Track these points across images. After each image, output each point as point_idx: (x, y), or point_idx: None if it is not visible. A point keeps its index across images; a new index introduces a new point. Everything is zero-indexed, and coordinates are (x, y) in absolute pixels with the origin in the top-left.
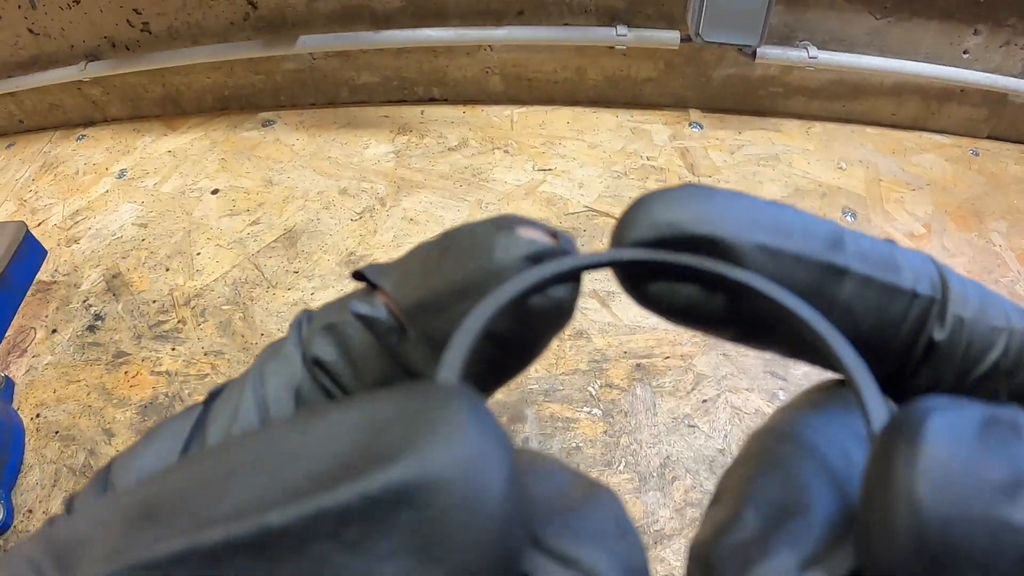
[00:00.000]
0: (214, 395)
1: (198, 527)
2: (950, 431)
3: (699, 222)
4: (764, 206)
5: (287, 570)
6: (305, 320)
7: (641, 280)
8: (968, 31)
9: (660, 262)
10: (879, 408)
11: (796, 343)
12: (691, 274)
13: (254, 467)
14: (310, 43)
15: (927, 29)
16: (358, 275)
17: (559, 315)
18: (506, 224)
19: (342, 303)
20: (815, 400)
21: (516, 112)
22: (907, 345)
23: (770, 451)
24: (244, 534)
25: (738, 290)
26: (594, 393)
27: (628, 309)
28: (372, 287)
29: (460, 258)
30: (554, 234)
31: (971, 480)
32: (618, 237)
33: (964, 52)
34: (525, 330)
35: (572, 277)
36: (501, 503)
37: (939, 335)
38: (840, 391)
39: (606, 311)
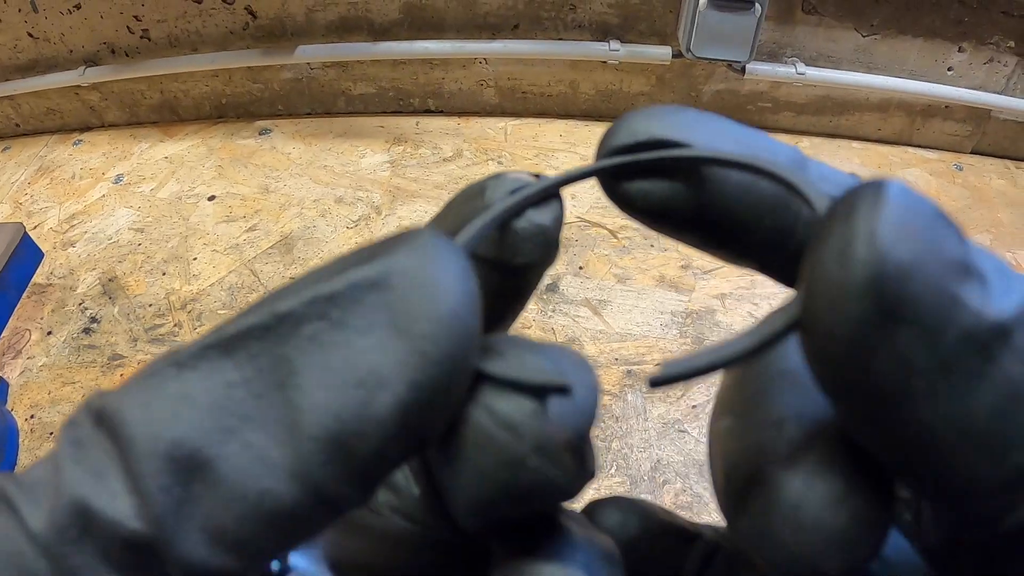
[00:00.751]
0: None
1: (220, 329)
2: (912, 198)
3: (673, 130)
4: (734, 124)
5: (290, 347)
6: None
7: (618, 183)
8: (952, 48)
9: (632, 163)
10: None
11: (765, 248)
12: (662, 167)
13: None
14: (308, 53)
15: (912, 46)
16: None
17: (545, 243)
18: (496, 175)
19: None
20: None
21: (510, 124)
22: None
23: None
24: (257, 321)
25: (704, 177)
26: None
27: (619, 317)
28: None
29: (458, 207)
30: (537, 176)
31: (932, 241)
32: (600, 150)
33: (948, 69)
34: (513, 256)
35: (554, 194)
36: (454, 287)
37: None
38: None
39: (598, 319)
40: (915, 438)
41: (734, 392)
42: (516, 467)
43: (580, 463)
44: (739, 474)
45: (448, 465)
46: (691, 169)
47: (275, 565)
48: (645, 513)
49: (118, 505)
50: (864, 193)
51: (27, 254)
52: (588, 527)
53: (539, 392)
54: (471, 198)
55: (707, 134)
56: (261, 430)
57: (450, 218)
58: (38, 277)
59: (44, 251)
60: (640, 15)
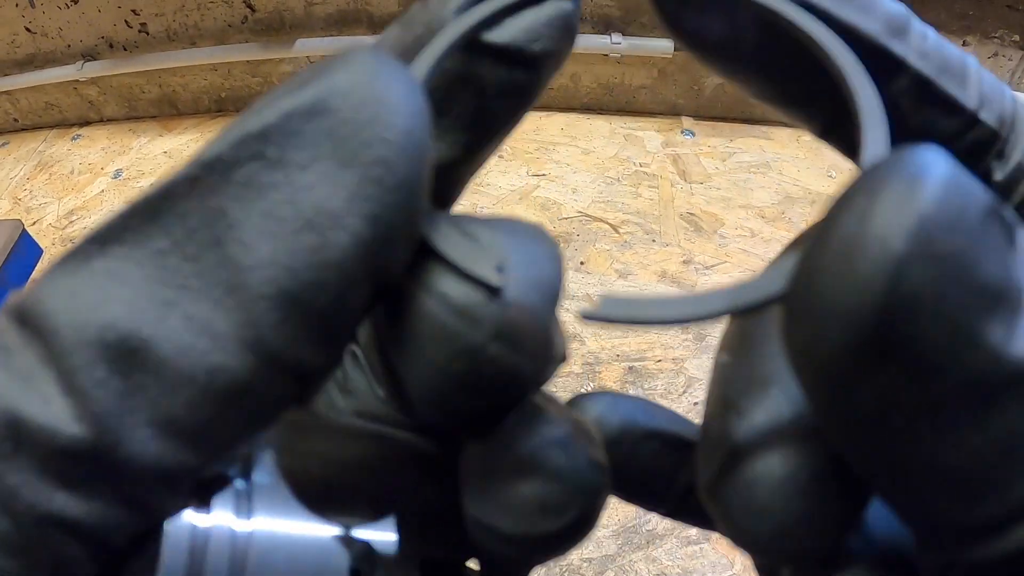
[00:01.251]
0: None
1: (143, 194)
2: (958, 191)
3: None
4: None
5: (223, 197)
6: None
7: (679, 15)
8: (957, 42)
9: None
10: (878, 145)
11: (822, 101)
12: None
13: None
14: (307, 46)
15: None
16: None
17: (567, 28)
18: None
19: None
20: None
21: None
22: None
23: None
24: (182, 176)
25: (764, 19)
26: None
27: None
28: None
29: (407, 23)
30: None
31: (963, 261)
32: None
33: None
34: (531, 43)
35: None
36: (403, 103)
37: (998, 174)
38: None
39: None
40: (883, 468)
41: (738, 328)
42: (474, 357)
43: (546, 347)
44: (715, 427)
45: (401, 357)
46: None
47: (240, 483)
48: (630, 410)
49: (52, 410)
50: (900, 173)
51: (26, 251)
52: (565, 408)
53: (493, 290)
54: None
55: None
56: (202, 298)
57: (398, 38)
58: (37, 274)
59: (43, 247)
60: (642, 7)
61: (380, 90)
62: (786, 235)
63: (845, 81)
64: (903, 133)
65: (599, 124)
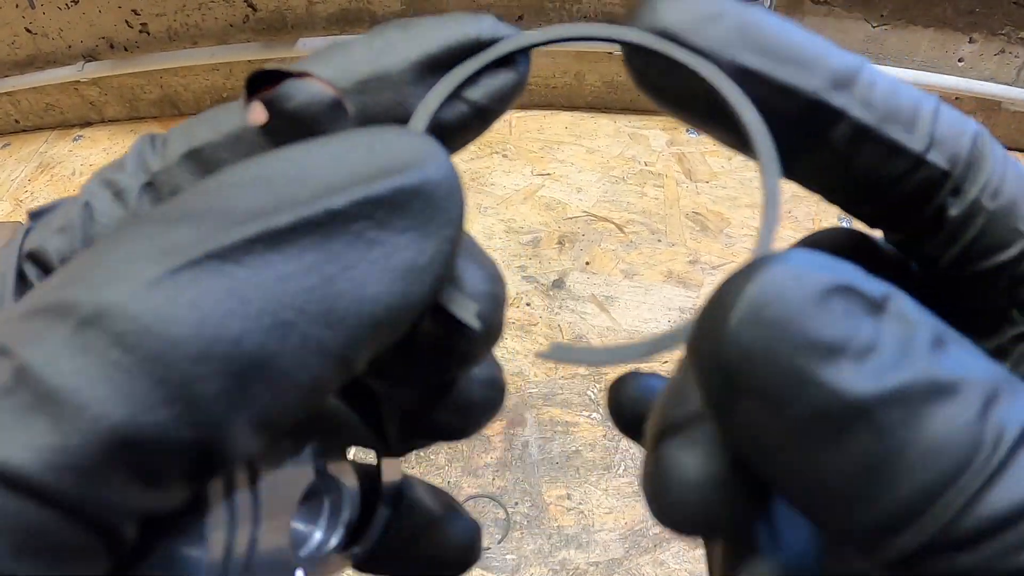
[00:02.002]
0: (43, 211)
1: (263, 216)
2: (796, 279)
3: (690, 29)
4: (774, 25)
5: (338, 245)
6: (153, 144)
7: (645, 72)
8: (963, 39)
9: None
10: (764, 243)
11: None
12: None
13: (276, 178)
14: (310, 45)
15: (923, 37)
16: (262, 74)
17: (518, 85)
18: (451, 17)
19: (202, 121)
20: None
21: (514, 117)
22: (904, 205)
23: None
24: (312, 215)
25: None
26: (593, 397)
27: (626, 313)
28: (263, 87)
29: (409, 47)
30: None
31: (787, 328)
32: (631, 21)
33: (959, 60)
34: (484, 98)
35: (523, 52)
36: (463, 201)
37: (953, 210)
38: None
39: (605, 315)
40: (774, 477)
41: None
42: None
43: (495, 340)
44: (649, 428)
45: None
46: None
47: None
48: None
49: (157, 418)
50: (755, 265)
51: None
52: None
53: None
54: (437, 32)
55: (723, 41)
56: (317, 322)
57: (397, 48)
58: None
59: None
60: None
61: (458, 186)
62: (792, 234)
63: (757, 154)
64: (848, 175)
65: (604, 123)
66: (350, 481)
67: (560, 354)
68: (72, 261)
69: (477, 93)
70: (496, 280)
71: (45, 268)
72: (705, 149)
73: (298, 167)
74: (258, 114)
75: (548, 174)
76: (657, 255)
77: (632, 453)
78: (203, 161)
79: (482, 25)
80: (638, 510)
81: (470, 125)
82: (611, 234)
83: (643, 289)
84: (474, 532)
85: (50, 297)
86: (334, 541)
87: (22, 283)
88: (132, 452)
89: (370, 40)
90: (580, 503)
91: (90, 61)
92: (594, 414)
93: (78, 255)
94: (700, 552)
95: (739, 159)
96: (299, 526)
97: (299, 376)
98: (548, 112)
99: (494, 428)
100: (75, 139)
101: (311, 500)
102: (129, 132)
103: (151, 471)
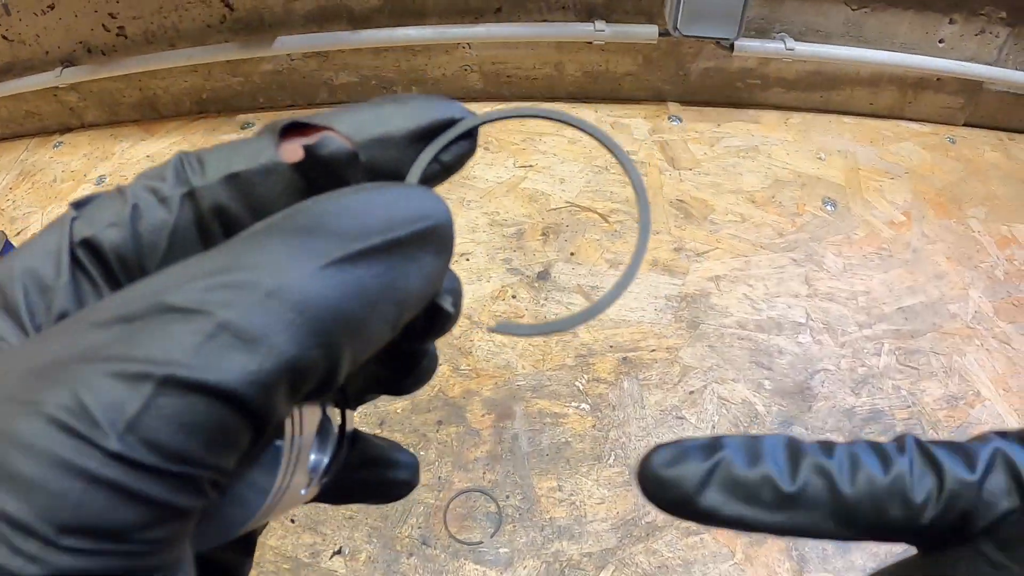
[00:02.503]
0: (84, 203)
1: (363, 237)
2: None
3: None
4: None
5: (398, 259)
6: (188, 163)
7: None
8: (943, 20)
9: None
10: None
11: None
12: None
13: (359, 211)
14: (287, 44)
15: (903, 19)
16: (295, 125)
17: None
18: (436, 99)
19: (236, 151)
20: None
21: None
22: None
23: None
24: (389, 239)
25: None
26: (581, 388)
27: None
28: (283, 136)
29: (407, 117)
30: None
31: (673, 477)
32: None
33: (940, 41)
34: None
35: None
36: (454, 234)
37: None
38: None
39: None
40: None
41: None
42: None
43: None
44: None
45: None
46: None
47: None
48: None
49: (311, 355)
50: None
51: None
52: None
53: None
54: (425, 112)
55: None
56: (387, 303)
57: (401, 117)
58: None
59: None
60: None
61: (451, 223)
62: (776, 219)
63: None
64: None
65: (585, 113)
66: (328, 423)
67: (504, 330)
68: (211, 254)
69: (447, 156)
70: (458, 281)
71: (98, 255)
72: (687, 137)
73: (370, 205)
74: (294, 154)
75: (531, 166)
76: None
77: (622, 443)
78: (240, 184)
79: (454, 109)
80: (630, 499)
81: (439, 178)
82: (595, 224)
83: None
84: (414, 461)
85: (225, 278)
86: (323, 469)
87: (74, 264)
88: (293, 376)
89: (375, 109)
90: (571, 494)
91: (68, 66)
92: (583, 405)
93: (221, 248)
94: (693, 540)
95: (721, 145)
96: (312, 455)
97: (376, 335)
98: (529, 103)
99: (483, 422)
100: (55, 145)
101: (319, 434)
102: (109, 136)
103: (299, 389)
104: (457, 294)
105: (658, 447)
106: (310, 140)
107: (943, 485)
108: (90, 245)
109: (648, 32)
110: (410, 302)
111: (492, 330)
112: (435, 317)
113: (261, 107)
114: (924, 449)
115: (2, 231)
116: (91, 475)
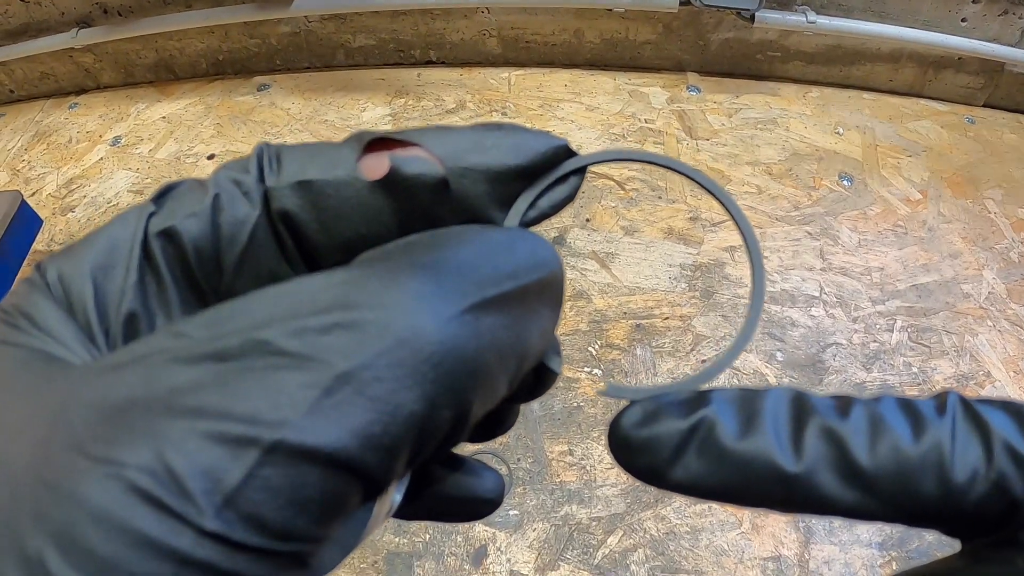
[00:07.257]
0: (163, 193)
1: (494, 283)
2: (637, 417)
3: None
4: None
5: (520, 309)
6: (268, 159)
7: None
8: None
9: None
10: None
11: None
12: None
13: (486, 254)
14: (305, 6)
15: None
16: (383, 139)
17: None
18: (542, 133)
19: (315, 155)
20: None
21: (514, 75)
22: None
23: None
24: (520, 286)
25: None
26: (594, 353)
27: (627, 270)
28: (370, 149)
29: (510, 150)
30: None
31: (644, 440)
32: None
33: (962, 20)
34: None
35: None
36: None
37: None
38: None
39: (605, 272)
40: None
41: None
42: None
43: None
44: None
45: None
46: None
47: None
48: None
49: (442, 413)
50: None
51: (26, 221)
52: None
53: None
54: (525, 150)
55: None
56: (511, 356)
57: (500, 153)
58: (38, 244)
59: (43, 217)
60: None
61: (563, 273)
62: (793, 192)
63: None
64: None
65: (603, 80)
66: None
67: (616, 394)
68: (317, 283)
69: (544, 201)
70: (558, 340)
71: (176, 246)
72: (706, 107)
73: (499, 247)
74: (375, 171)
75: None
76: (657, 212)
77: None
78: (312, 192)
79: (559, 145)
80: None
81: (533, 223)
82: (611, 191)
83: (643, 246)
84: (501, 481)
85: (343, 317)
86: (397, 506)
87: (145, 255)
88: (420, 436)
89: (475, 135)
90: (582, 459)
91: (84, 27)
92: (595, 370)
93: (328, 277)
94: (702, 507)
95: (739, 117)
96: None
97: (500, 387)
98: (548, 70)
99: None
100: (71, 107)
101: None
102: (125, 98)
103: (421, 453)
104: (559, 352)
105: (632, 403)
106: (398, 155)
107: (992, 459)
108: (168, 235)
109: (669, 1)
110: (531, 356)
111: (602, 394)
112: (542, 375)
113: (277, 69)
114: (972, 411)
115: (18, 191)
116: (181, 556)
